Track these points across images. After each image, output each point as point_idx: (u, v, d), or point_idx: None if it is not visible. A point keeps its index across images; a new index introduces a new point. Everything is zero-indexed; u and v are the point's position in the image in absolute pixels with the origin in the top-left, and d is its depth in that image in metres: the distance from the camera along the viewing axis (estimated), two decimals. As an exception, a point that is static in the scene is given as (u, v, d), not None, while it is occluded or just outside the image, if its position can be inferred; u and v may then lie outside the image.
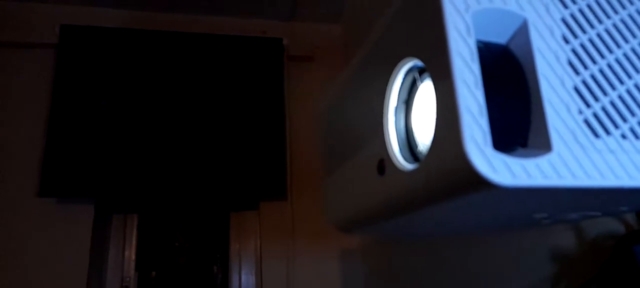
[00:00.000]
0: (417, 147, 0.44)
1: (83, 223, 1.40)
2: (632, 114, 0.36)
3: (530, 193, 0.34)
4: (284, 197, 1.53)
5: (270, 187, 1.49)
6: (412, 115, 0.45)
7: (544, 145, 0.33)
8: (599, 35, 0.37)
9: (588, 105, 0.34)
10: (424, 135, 0.42)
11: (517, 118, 0.34)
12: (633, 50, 0.38)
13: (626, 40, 0.38)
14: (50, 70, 1.47)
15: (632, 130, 0.35)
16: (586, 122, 0.34)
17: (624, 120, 0.35)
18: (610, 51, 0.37)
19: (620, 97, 0.36)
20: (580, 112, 0.34)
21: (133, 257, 1.54)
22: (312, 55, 1.69)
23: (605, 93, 0.35)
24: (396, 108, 0.46)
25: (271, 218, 1.54)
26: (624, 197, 0.40)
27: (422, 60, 0.38)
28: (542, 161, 0.32)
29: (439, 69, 0.34)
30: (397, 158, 0.44)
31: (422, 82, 0.43)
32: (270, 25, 1.69)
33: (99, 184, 1.37)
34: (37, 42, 1.50)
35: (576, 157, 0.33)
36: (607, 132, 0.34)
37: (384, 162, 0.47)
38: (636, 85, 0.37)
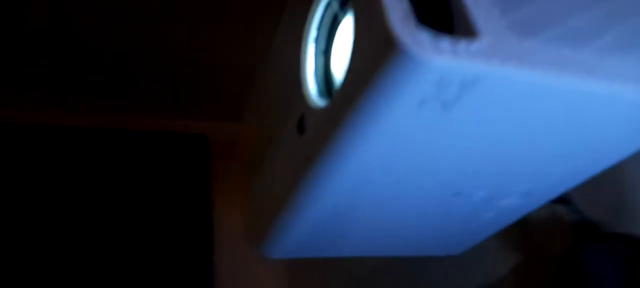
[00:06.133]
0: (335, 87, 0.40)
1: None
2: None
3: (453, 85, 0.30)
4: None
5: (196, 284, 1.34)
6: (330, 62, 0.42)
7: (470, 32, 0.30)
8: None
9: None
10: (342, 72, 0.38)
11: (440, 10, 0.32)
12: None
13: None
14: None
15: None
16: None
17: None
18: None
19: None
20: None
21: None
22: (237, 153, 1.66)
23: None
24: (315, 57, 0.42)
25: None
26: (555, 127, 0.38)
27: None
28: (471, 42, 0.29)
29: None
30: (315, 104, 0.39)
31: (344, 15, 0.39)
32: (194, 124, 1.65)
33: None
34: None
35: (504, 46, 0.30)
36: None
37: (303, 118, 0.42)
38: None
